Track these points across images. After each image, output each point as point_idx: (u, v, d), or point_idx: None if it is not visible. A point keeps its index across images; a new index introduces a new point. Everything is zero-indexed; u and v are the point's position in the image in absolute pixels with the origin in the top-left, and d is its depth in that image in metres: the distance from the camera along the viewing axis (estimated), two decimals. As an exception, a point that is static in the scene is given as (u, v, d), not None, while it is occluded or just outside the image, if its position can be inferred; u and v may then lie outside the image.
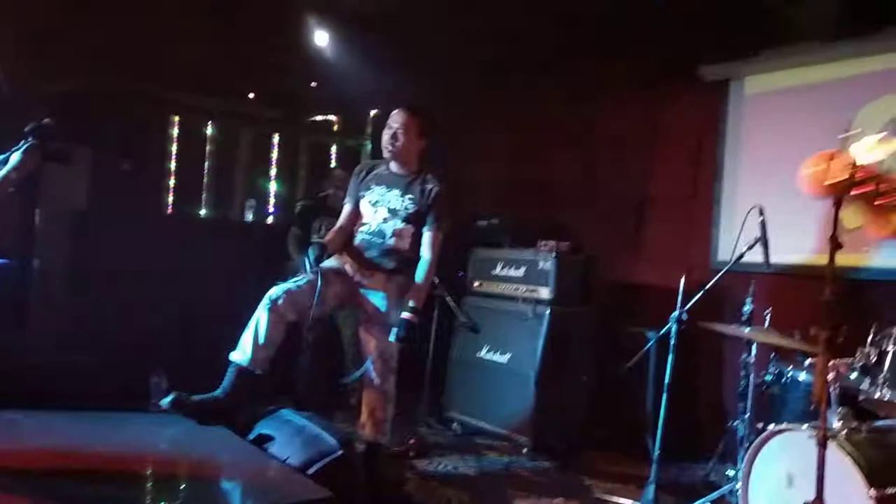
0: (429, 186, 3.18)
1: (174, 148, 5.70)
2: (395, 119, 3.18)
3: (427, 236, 3.18)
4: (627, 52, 4.74)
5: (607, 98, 5.15)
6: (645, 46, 4.62)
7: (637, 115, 5.00)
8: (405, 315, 3.04)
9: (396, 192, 3.18)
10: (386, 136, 3.18)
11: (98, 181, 5.04)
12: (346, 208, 3.29)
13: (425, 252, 3.18)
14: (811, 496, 2.25)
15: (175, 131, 5.72)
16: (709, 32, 4.34)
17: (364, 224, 3.23)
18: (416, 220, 3.17)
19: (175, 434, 2.68)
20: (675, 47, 4.55)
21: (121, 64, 4.76)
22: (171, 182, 5.68)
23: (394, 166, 3.24)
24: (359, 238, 3.23)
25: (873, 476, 2.29)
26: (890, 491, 2.27)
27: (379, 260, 3.17)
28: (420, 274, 3.14)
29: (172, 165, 5.68)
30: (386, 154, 3.20)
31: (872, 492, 2.25)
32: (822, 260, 3.84)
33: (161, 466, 2.41)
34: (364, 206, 3.25)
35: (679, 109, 4.75)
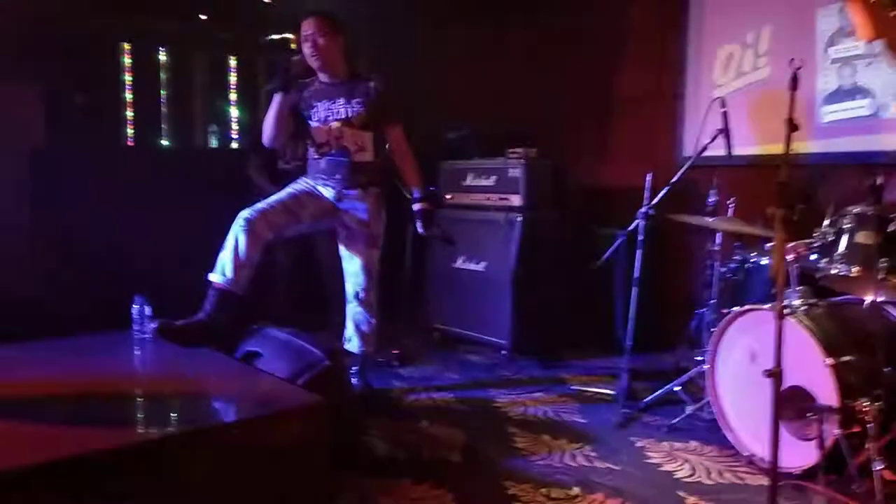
0: (371, 85, 3.18)
1: (128, 77, 5.53)
2: (306, 28, 3.14)
3: (393, 134, 3.23)
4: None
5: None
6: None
7: (599, 13, 4.95)
8: (419, 206, 3.23)
9: (341, 100, 3.17)
10: (306, 48, 3.12)
11: (54, 117, 4.92)
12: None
13: (399, 147, 3.24)
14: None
15: (127, 60, 5.53)
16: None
17: (322, 145, 3.22)
18: (371, 124, 3.17)
19: (162, 356, 2.75)
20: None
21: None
22: (129, 113, 5.54)
23: (326, 77, 3.21)
24: (324, 162, 3.22)
25: (830, 346, 2.44)
26: (844, 359, 2.43)
27: (351, 177, 3.19)
28: (407, 167, 3.26)
29: (128, 96, 5.52)
30: (314, 64, 3.15)
31: (829, 360, 2.40)
32: (781, 148, 3.97)
33: (154, 386, 2.48)
34: (315, 128, 3.22)
35: (640, 6, 4.71)
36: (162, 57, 5.68)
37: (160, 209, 4.70)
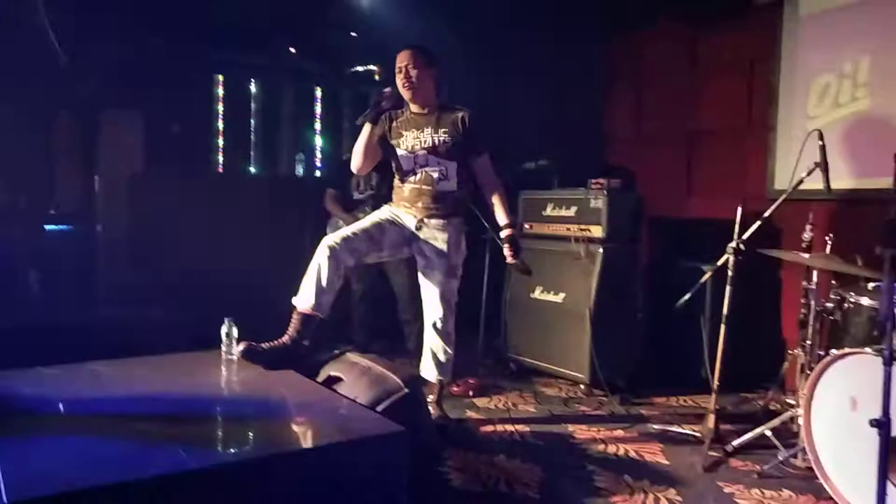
0: (458, 115, 3.22)
1: (220, 107, 5.79)
2: (401, 59, 3.22)
3: (480, 163, 3.25)
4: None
5: (654, 28, 5.01)
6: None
7: (686, 44, 4.87)
8: (507, 232, 3.21)
9: (429, 130, 3.22)
10: (400, 79, 3.20)
11: (151, 144, 5.20)
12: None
13: (486, 176, 3.26)
14: (876, 416, 2.25)
15: (220, 90, 5.80)
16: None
17: (407, 173, 3.27)
18: (457, 154, 3.21)
19: (247, 378, 2.81)
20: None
21: (165, 24, 4.82)
22: (220, 141, 5.79)
23: (415, 107, 3.28)
24: (407, 189, 3.27)
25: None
26: (960, 409, 2.24)
27: (433, 206, 3.22)
28: (495, 195, 3.26)
29: (220, 125, 5.78)
30: (406, 94, 3.23)
31: (941, 410, 2.22)
32: (884, 183, 3.76)
33: (238, 407, 2.54)
34: (402, 155, 3.27)
35: (730, 35, 4.61)
36: (252, 88, 5.95)
37: (248, 233, 4.87)
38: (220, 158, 5.81)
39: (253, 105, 6.00)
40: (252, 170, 5.96)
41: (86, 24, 4.57)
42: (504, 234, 3.23)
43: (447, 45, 5.54)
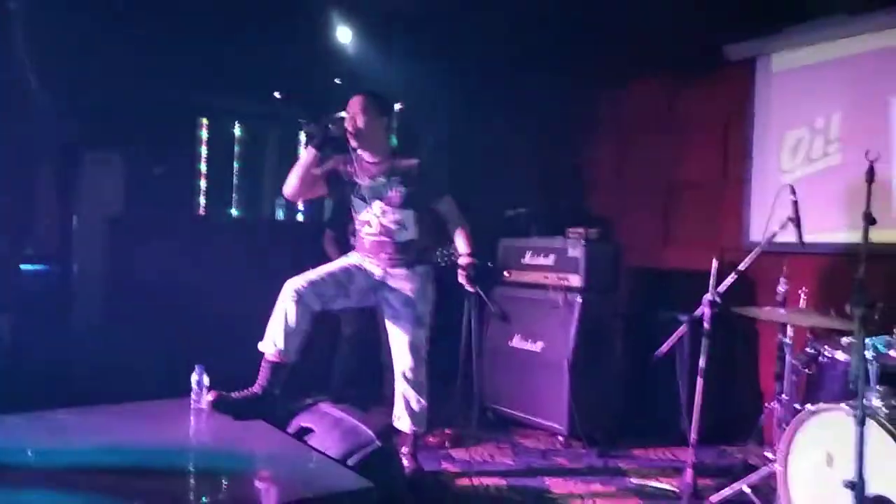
0: (411, 162, 3.15)
1: (203, 150, 5.80)
2: (351, 106, 3.11)
3: (444, 205, 3.20)
4: (651, 36, 4.70)
5: (632, 83, 5.11)
6: (668, 28, 4.56)
7: (663, 98, 4.96)
8: (465, 260, 3.12)
9: (381, 179, 3.15)
10: (348, 125, 3.06)
11: (132, 185, 5.17)
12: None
13: (452, 217, 3.20)
14: (851, 475, 2.23)
15: (204, 133, 5.82)
16: (732, 11, 4.28)
17: (366, 224, 3.20)
18: (414, 202, 3.14)
19: (216, 428, 2.75)
20: (698, 28, 4.49)
21: (149, 69, 4.84)
22: (202, 184, 5.78)
23: (367, 156, 3.18)
24: (368, 242, 3.21)
25: (916, 454, 2.26)
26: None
27: (396, 257, 3.17)
28: (459, 234, 3.18)
29: (203, 167, 5.78)
30: (353, 142, 3.10)
31: (915, 469, 2.22)
32: (857, 237, 3.82)
33: (204, 460, 2.48)
34: (357, 205, 3.21)
35: (705, 90, 4.70)
36: (237, 131, 5.97)
37: (228, 277, 4.82)
38: (202, 201, 5.79)
39: (236, 148, 6.01)
40: (234, 213, 5.95)
41: (70, 66, 4.58)
42: (462, 261, 3.14)
43: (430, 94, 5.63)
